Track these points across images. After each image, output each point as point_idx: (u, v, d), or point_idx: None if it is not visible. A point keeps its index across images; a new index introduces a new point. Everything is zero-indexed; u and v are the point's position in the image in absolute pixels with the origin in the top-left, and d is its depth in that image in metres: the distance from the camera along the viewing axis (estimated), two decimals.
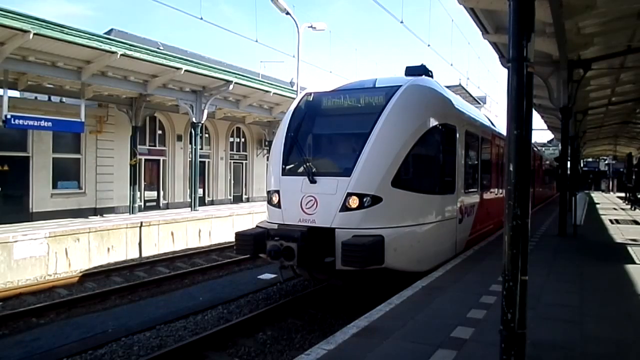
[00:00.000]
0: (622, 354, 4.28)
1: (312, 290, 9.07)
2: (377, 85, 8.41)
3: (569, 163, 14.86)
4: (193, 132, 18.56)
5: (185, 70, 15.30)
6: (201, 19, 13.72)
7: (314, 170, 7.74)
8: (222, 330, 6.90)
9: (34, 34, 11.25)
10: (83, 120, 14.98)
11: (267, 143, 25.03)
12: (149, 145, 19.99)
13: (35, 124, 14.00)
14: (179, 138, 21.17)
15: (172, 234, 15.37)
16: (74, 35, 12.21)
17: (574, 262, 8.60)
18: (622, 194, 33.88)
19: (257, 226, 8.26)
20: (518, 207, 3.02)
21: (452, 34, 78.00)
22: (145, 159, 19.63)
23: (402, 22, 14.47)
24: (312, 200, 7.45)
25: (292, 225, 7.44)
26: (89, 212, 16.94)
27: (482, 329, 4.77)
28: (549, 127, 27.25)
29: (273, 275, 10.71)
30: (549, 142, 49.92)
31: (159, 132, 20.63)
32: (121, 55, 13.28)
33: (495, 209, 12.11)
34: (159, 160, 20.47)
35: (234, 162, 24.67)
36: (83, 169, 17.10)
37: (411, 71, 8.79)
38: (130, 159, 17.67)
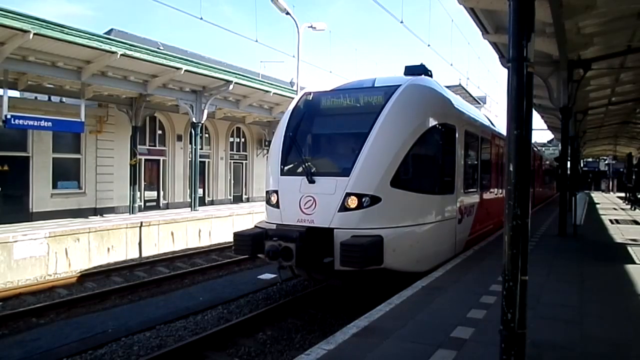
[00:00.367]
0: (622, 354, 4.28)
1: (312, 290, 9.06)
2: (376, 85, 8.38)
3: (569, 163, 14.85)
4: (193, 132, 18.56)
5: (185, 70, 15.30)
6: (201, 19, 13.76)
7: (312, 170, 7.72)
8: (222, 330, 6.90)
9: (34, 34, 11.25)
10: (83, 120, 14.98)
11: (267, 143, 25.03)
12: (149, 145, 19.99)
13: (35, 124, 14.00)
14: (179, 138, 21.17)
15: (172, 234, 15.37)
16: (74, 35, 12.20)
17: (574, 262, 8.60)
18: (622, 194, 33.88)
19: (255, 226, 8.24)
20: (518, 207, 3.02)
21: (452, 34, 78.07)
22: (145, 159, 19.63)
23: (402, 22, 14.49)
24: (310, 200, 7.43)
25: (291, 225, 7.41)
26: (89, 212, 16.94)
27: (482, 329, 4.77)
28: (549, 127, 27.25)
29: (273, 275, 10.70)
30: (549, 142, 49.93)
31: (159, 132, 20.63)
32: (121, 55, 13.28)
33: (495, 209, 12.09)
34: (159, 160, 20.47)
35: (234, 162, 24.67)
36: (83, 169, 17.11)
37: (410, 71, 8.76)
38: (130, 159, 17.67)
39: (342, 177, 7.37)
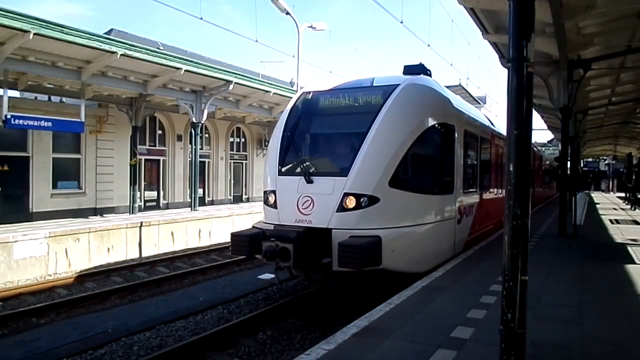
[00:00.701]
0: (622, 354, 4.28)
1: (312, 290, 9.06)
2: (374, 84, 8.31)
3: (569, 163, 14.85)
4: (193, 132, 18.56)
5: (185, 70, 15.30)
6: (201, 19, 13.76)
7: (310, 170, 7.68)
8: (222, 330, 6.90)
9: (34, 34, 11.25)
10: (83, 120, 14.98)
11: (267, 143, 25.00)
12: (149, 145, 19.99)
13: (35, 124, 14.00)
14: (179, 138, 21.17)
15: (172, 234, 15.37)
16: (74, 35, 12.20)
17: (574, 262, 8.59)
18: (622, 194, 33.88)
19: (253, 227, 8.19)
20: (518, 207, 3.02)
21: (452, 34, 78.12)
22: (145, 159, 19.63)
23: (402, 22, 14.50)
24: (308, 200, 7.37)
25: (289, 225, 7.36)
26: (89, 212, 16.95)
27: (482, 329, 4.77)
28: (549, 127, 27.26)
29: (273, 275, 10.62)
30: (549, 142, 49.93)
31: (159, 132, 20.64)
32: (121, 55, 13.28)
33: (495, 209, 12.07)
34: (159, 160, 20.47)
35: (234, 162, 24.66)
36: (83, 169, 17.11)
37: (409, 70, 8.68)
38: (130, 159, 17.67)
39: (340, 177, 7.31)
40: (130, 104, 17.51)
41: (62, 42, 12.08)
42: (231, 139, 24.47)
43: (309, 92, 8.85)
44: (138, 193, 18.25)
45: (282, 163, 8.11)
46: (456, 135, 8.86)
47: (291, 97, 10.23)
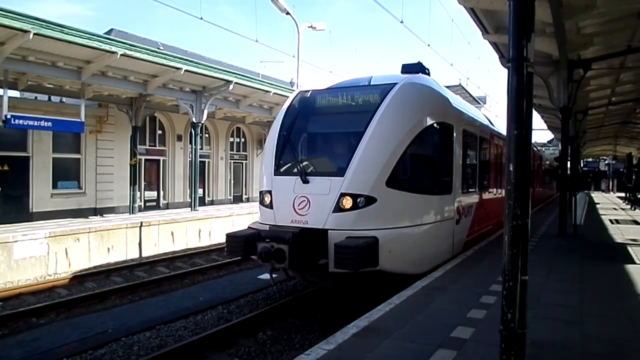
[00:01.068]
0: (622, 354, 4.28)
1: (312, 290, 9.05)
2: (372, 83, 8.20)
3: (569, 163, 14.85)
4: (193, 132, 18.56)
5: (185, 70, 15.30)
6: (201, 19, 13.74)
7: (307, 170, 7.60)
8: (222, 330, 6.89)
9: (34, 34, 11.24)
10: (83, 120, 14.97)
11: None
12: (149, 145, 19.99)
13: (35, 124, 14.00)
14: (179, 138, 21.17)
15: (172, 234, 15.37)
16: (74, 35, 12.20)
17: (574, 262, 8.60)
18: (622, 194, 33.89)
19: (249, 227, 8.10)
20: (518, 207, 3.02)
21: (452, 34, 78.13)
22: (145, 159, 19.63)
23: (402, 22, 14.49)
24: (304, 200, 7.27)
25: (284, 226, 7.26)
26: (89, 212, 16.94)
27: (482, 329, 4.77)
28: (549, 127, 27.26)
29: (273, 275, 10.69)
30: (549, 142, 49.96)
31: (159, 132, 20.63)
32: (121, 55, 13.27)
33: (494, 210, 12.03)
34: (159, 160, 20.48)
35: (234, 162, 24.67)
36: (83, 169, 17.11)
37: (407, 69, 8.60)
38: (130, 159, 17.67)
39: (336, 177, 7.21)
40: (130, 104, 17.51)
41: (62, 42, 12.07)
42: (231, 139, 24.47)
43: (306, 91, 8.77)
44: (138, 193, 18.25)
45: (278, 163, 8.01)
46: (455, 134, 8.78)
47: None
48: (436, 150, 8.35)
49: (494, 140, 12.20)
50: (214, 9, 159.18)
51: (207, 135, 22.72)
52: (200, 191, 21.09)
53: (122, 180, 17.87)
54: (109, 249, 13.37)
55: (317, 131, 8.58)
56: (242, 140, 25.46)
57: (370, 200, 7.03)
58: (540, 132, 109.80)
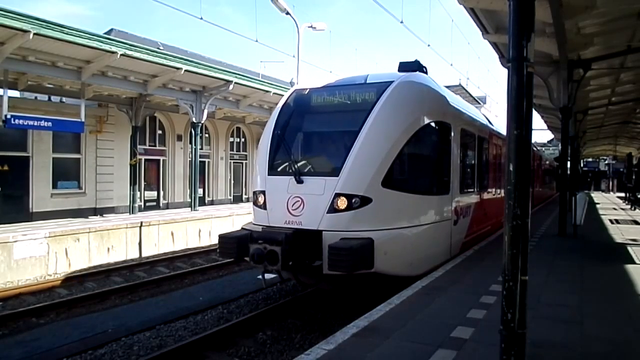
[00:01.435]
0: (622, 354, 4.28)
1: (311, 290, 9.05)
2: (368, 81, 7.99)
3: (569, 163, 14.84)
4: (193, 132, 18.56)
5: (185, 70, 15.30)
6: (201, 19, 13.71)
7: (301, 169, 7.44)
8: (222, 330, 6.90)
9: (34, 34, 11.25)
10: (83, 120, 14.98)
11: None
12: (149, 145, 19.99)
13: (35, 124, 14.00)
14: (179, 138, 21.18)
15: (172, 234, 15.37)
16: (74, 35, 12.21)
17: (574, 262, 8.59)
18: (622, 194, 33.89)
19: (242, 228, 7.92)
20: (518, 207, 3.02)
21: (452, 34, 78.07)
22: (145, 159, 19.63)
23: (402, 22, 14.47)
24: (298, 201, 7.09)
25: (278, 227, 7.09)
26: (89, 212, 16.95)
27: (482, 329, 4.77)
28: (549, 127, 27.27)
29: (273, 275, 10.69)
30: (549, 142, 50.00)
31: (159, 132, 20.64)
32: (121, 55, 13.28)
33: (493, 210, 11.94)
34: (158, 160, 20.48)
35: (234, 162, 24.67)
36: (83, 169, 17.11)
37: (404, 67, 8.38)
38: (130, 159, 17.67)
39: (331, 177, 7.05)
40: (130, 104, 17.51)
41: (62, 42, 12.08)
42: (231, 139, 24.47)
43: (301, 89, 8.61)
44: (138, 193, 18.26)
45: (272, 162, 7.84)
46: (452, 134, 8.63)
47: None
48: (433, 150, 8.24)
49: (492, 140, 12.11)
50: (214, 9, 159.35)
51: (207, 135, 22.73)
52: (200, 191, 21.10)
53: (122, 180, 17.88)
54: (109, 249, 13.37)
55: (312, 130, 8.42)
56: (242, 140, 25.47)
57: (365, 201, 6.87)
58: (540, 132, 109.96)
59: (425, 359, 4.06)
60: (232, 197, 24.34)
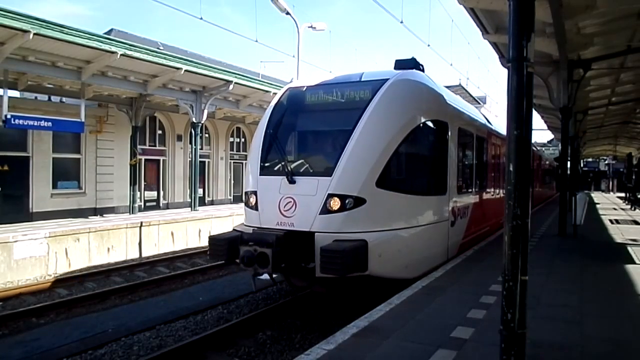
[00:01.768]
0: (622, 354, 4.28)
1: (310, 291, 9.03)
2: (363, 79, 7.82)
3: (569, 163, 14.84)
4: (193, 132, 18.56)
5: (185, 70, 15.30)
6: (201, 19, 13.71)
7: (293, 169, 7.28)
8: (222, 330, 6.90)
9: (34, 34, 11.25)
10: (83, 120, 14.98)
11: None
12: (149, 145, 19.99)
13: (35, 124, 14.00)
14: (179, 138, 21.18)
15: (172, 234, 15.37)
16: (74, 35, 12.20)
17: (574, 262, 8.59)
18: (622, 194, 33.88)
19: (234, 229, 7.74)
20: (518, 207, 3.02)
21: (452, 34, 78.03)
22: (145, 159, 19.63)
23: (402, 22, 14.46)
24: (290, 201, 6.90)
25: (269, 228, 6.91)
26: (89, 212, 16.94)
27: (482, 329, 4.77)
28: (549, 127, 27.26)
29: (274, 275, 10.68)
30: (549, 142, 49.95)
31: (159, 132, 20.64)
32: (121, 55, 13.28)
33: (492, 211, 11.84)
34: (158, 160, 20.48)
35: (234, 162, 24.67)
36: (83, 169, 17.11)
37: (401, 65, 8.20)
38: (130, 159, 17.67)
39: (324, 177, 6.87)
40: (130, 104, 17.51)
41: (62, 42, 12.08)
42: (231, 139, 24.47)
43: (295, 87, 8.40)
44: (138, 193, 18.26)
45: (264, 162, 7.64)
46: (450, 133, 8.47)
47: None
48: (430, 149, 8.12)
49: (491, 140, 12.00)
50: (214, 9, 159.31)
51: (207, 135, 22.72)
52: (200, 191, 21.10)
53: (122, 180, 17.88)
54: (109, 249, 13.37)
55: (305, 129, 8.25)
56: (242, 140, 25.46)
57: (359, 202, 6.68)
58: (540, 132, 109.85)
59: (426, 359, 4.07)
60: (232, 197, 24.34)
